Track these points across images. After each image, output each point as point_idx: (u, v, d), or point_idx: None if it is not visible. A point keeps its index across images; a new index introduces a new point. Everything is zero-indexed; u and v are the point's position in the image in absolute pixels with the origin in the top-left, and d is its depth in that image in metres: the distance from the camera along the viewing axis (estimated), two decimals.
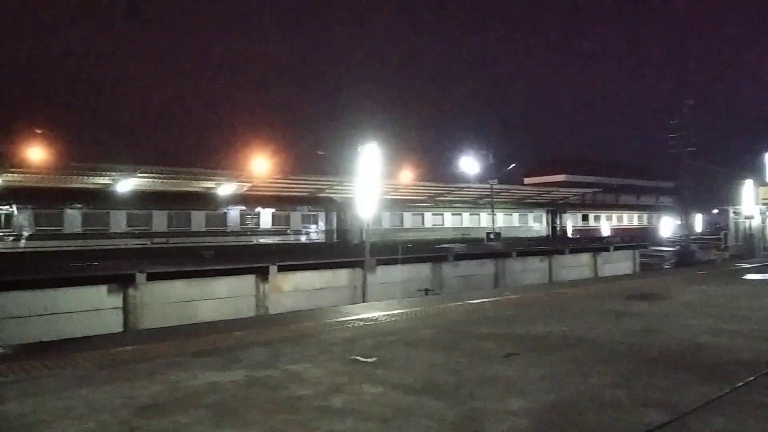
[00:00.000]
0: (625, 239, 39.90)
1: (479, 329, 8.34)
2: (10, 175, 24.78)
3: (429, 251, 23.16)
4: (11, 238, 22.97)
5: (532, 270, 24.68)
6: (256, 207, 30.15)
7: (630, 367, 6.00)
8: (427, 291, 19.28)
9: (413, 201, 37.23)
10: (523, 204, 44.30)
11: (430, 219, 37.28)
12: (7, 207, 23.05)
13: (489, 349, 6.95)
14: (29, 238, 23.31)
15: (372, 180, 17.58)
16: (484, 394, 5.10)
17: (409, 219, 35.90)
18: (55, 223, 24.05)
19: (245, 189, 32.35)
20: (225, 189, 31.29)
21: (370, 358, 6.51)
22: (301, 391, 5.23)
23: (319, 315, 10.37)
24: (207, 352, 6.93)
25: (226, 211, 29.08)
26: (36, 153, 24.47)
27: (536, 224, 43.42)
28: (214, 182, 31.08)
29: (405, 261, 19.70)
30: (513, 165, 45.78)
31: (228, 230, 28.78)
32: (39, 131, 27.04)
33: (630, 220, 50.12)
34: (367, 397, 5.08)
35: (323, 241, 32.18)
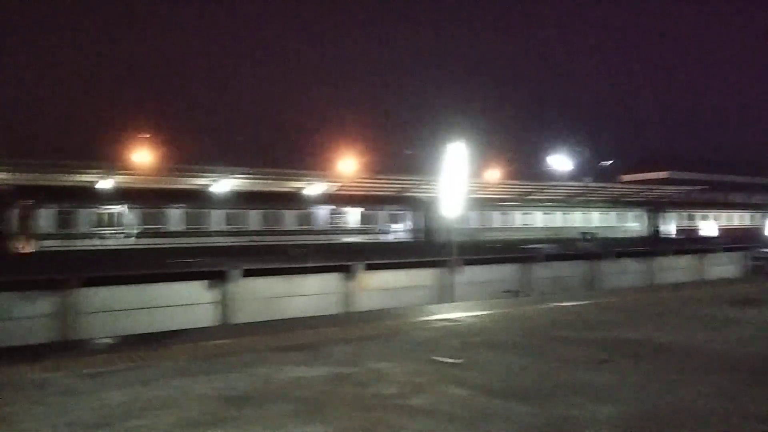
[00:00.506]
0: (734, 240, 37.08)
1: (569, 333, 8.02)
2: (120, 177, 26.82)
3: (517, 251, 22.62)
4: (121, 235, 24.85)
5: (629, 272, 23.45)
6: (343, 206, 30.76)
7: (733, 378, 5.55)
8: (515, 292, 18.83)
9: (502, 200, 36.53)
10: (620, 202, 42.25)
11: (519, 218, 36.44)
12: (117, 207, 24.95)
13: (579, 355, 6.67)
14: (137, 235, 25.11)
15: (458, 179, 17.41)
16: (573, 400, 4.89)
17: (497, 218, 35.28)
18: (159, 221, 25.77)
19: (334, 189, 33.09)
20: (314, 189, 32.17)
21: (455, 359, 6.42)
22: (384, 390, 5.25)
23: (403, 314, 10.39)
24: (295, 347, 7.11)
25: (315, 210, 29.89)
26: (142, 156, 26.28)
27: (635, 224, 41.30)
28: (304, 182, 32.05)
29: (492, 261, 19.36)
30: (610, 161, 43.82)
31: (317, 229, 29.58)
32: (145, 136, 29.03)
33: (740, 219, 46.53)
34: (451, 398, 5.01)
35: (409, 240, 32.28)
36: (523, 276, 20.22)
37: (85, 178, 26.62)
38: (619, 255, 24.02)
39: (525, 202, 37.38)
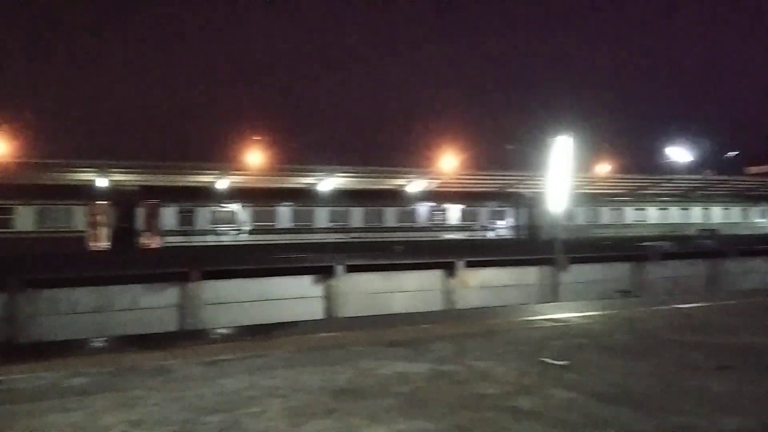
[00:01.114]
0: None
1: (686, 337, 7.47)
2: (234, 177, 28.48)
3: (629, 249, 21.42)
4: (235, 232, 26.40)
5: (756, 272, 21.46)
6: (444, 203, 30.68)
7: None
8: (626, 293, 17.85)
9: (611, 195, 34.77)
10: (745, 197, 38.81)
11: (630, 214, 34.52)
12: (231, 205, 26.52)
13: (697, 360, 6.19)
14: (249, 232, 26.56)
15: (565, 173, 16.78)
16: (690, 408, 4.55)
17: (606, 214, 33.62)
18: (269, 218, 27.10)
19: (434, 185, 33.08)
20: (415, 186, 32.33)
21: (561, 360, 6.19)
22: (486, 389, 5.17)
23: (506, 313, 10.19)
24: (397, 342, 7.19)
25: (415, 207, 30.05)
26: (254, 157, 27.70)
27: (762, 219, 37.75)
28: (405, 180, 32.30)
29: (601, 259, 18.47)
30: (736, 153, 40.38)
31: (417, 226, 29.72)
32: (257, 138, 30.55)
33: None
34: (556, 401, 4.84)
35: (512, 237, 31.59)
36: (636, 275, 19.10)
37: (203, 178, 28.56)
38: (744, 253, 22.04)
39: (637, 197, 35.32)
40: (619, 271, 18.88)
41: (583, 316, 9.22)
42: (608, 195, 34.58)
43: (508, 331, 8.07)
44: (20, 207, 23.45)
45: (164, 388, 5.28)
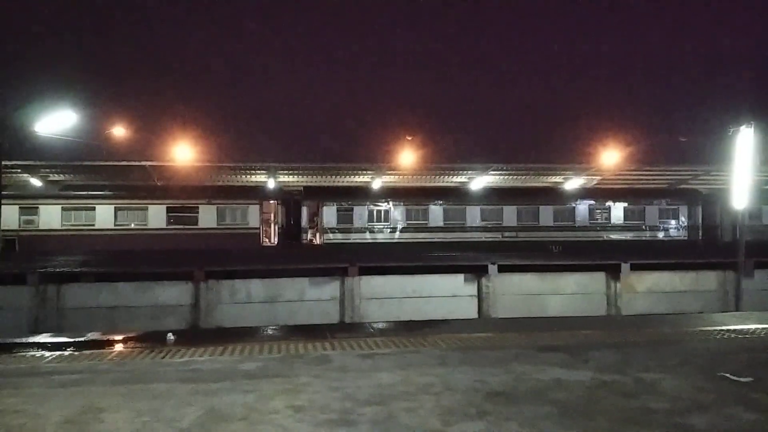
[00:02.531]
0: None
1: None
2: (388, 177, 29.37)
3: None
4: (388, 230, 27.23)
5: None
6: (606, 201, 28.92)
7: None
8: None
9: None
10: None
11: None
12: (384, 204, 27.40)
13: None
14: (401, 230, 27.23)
15: (747, 167, 14.94)
16: None
17: None
18: (421, 217, 27.55)
19: (594, 183, 31.27)
20: (573, 183, 30.83)
21: (744, 377, 5.52)
22: (654, 403, 4.76)
23: (678, 321, 9.32)
24: (553, 347, 6.90)
25: (574, 205, 28.67)
26: (406, 157, 28.30)
27: None
28: (561, 177, 30.94)
29: None
30: None
31: (576, 225, 28.34)
32: (409, 138, 31.16)
33: None
34: (738, 423, 4.31)
35: (684, 238, 28.84)
36: None
37: (360, 179, 29.82)
38: None
39: None
40: None
41: None
42: None
43: (680, 341, 7.36)
44: (203, 206, 26.33)
45: (325, 376, 5.59)
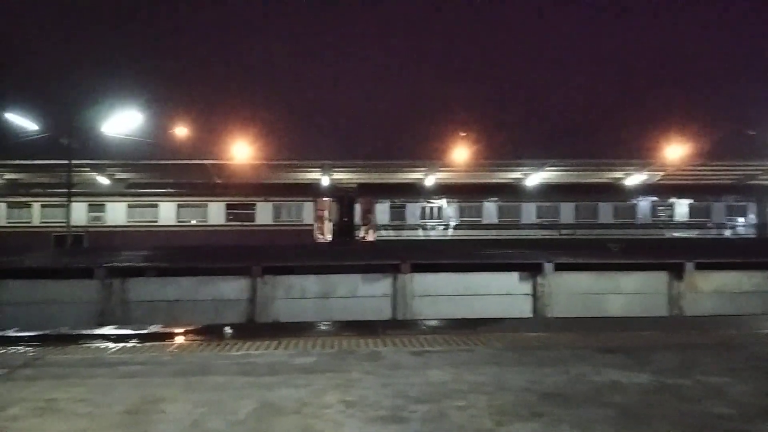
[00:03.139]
0: None
1: None
2: (441, 173, 29.20)
3: None
4: (441, 227, 27.08)
5: None
6: (669, 198, 27.82)
7: None
8: None
9: None
10: None
11: None
12: (437, 201, 27.26)
13: None
14: (455, 227, 27.03)
15: None
16: None
17: None
18: (475, 214, 27.26)
19: (657, 178, 30.14)
20: (634, 179, 29.82)
21: None
22: (720, 409, 4.54)
23: (746, 323, 8.88)
24: (611, 349, 6.69)
25: (635, 202, 27.72)
26: (460, 153, 28.06)
27: None
28: (622, 173, 29.98)
29: None
30: None
31: (637, 222, 27.40)
32: (463, 134, 30.87)
33: None
34: None
35: (753, 236, 27.42)
36: None
37: (412, 175, 29.77)
38: None
39: None
40: None
41: None
42: None
43: (747, 344, 7.01)
44: (260, 203, 26.93)
45: (377, 373, 5.61)
